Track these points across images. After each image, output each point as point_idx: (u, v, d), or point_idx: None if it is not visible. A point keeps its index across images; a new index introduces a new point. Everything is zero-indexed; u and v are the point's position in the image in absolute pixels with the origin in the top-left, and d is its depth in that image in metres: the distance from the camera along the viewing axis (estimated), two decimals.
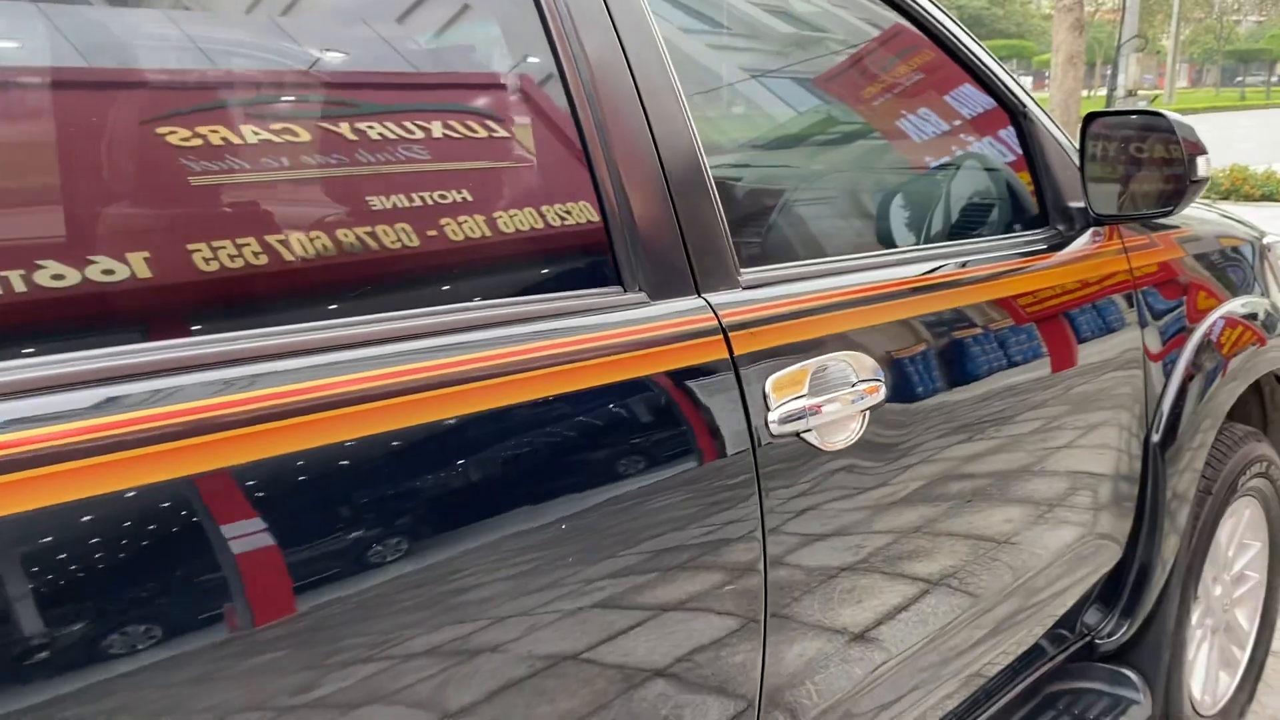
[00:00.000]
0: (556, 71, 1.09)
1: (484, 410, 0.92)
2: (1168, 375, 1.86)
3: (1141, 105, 12.83)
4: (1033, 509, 1.59)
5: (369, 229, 0.93)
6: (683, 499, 1.06)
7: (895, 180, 1.75)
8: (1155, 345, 1.82)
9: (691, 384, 1.09)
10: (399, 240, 0.95)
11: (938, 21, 1.62)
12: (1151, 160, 1.70)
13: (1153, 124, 1.71)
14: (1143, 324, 1.80)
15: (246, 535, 0.76)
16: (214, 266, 0.83)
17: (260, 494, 0.77)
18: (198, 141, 0.85)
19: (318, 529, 0.79)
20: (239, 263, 0.84)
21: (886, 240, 1.64)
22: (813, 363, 1.19)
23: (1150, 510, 1.85)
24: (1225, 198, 11.52)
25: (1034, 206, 1.75)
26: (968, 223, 1.72)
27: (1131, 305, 1.78)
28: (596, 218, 1.09)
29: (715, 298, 1.15)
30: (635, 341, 1.05)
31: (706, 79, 1.60)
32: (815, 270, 1.32)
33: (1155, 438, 1.83)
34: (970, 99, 1.73)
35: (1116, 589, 1.90)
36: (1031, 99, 1.75)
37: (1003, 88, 1.71)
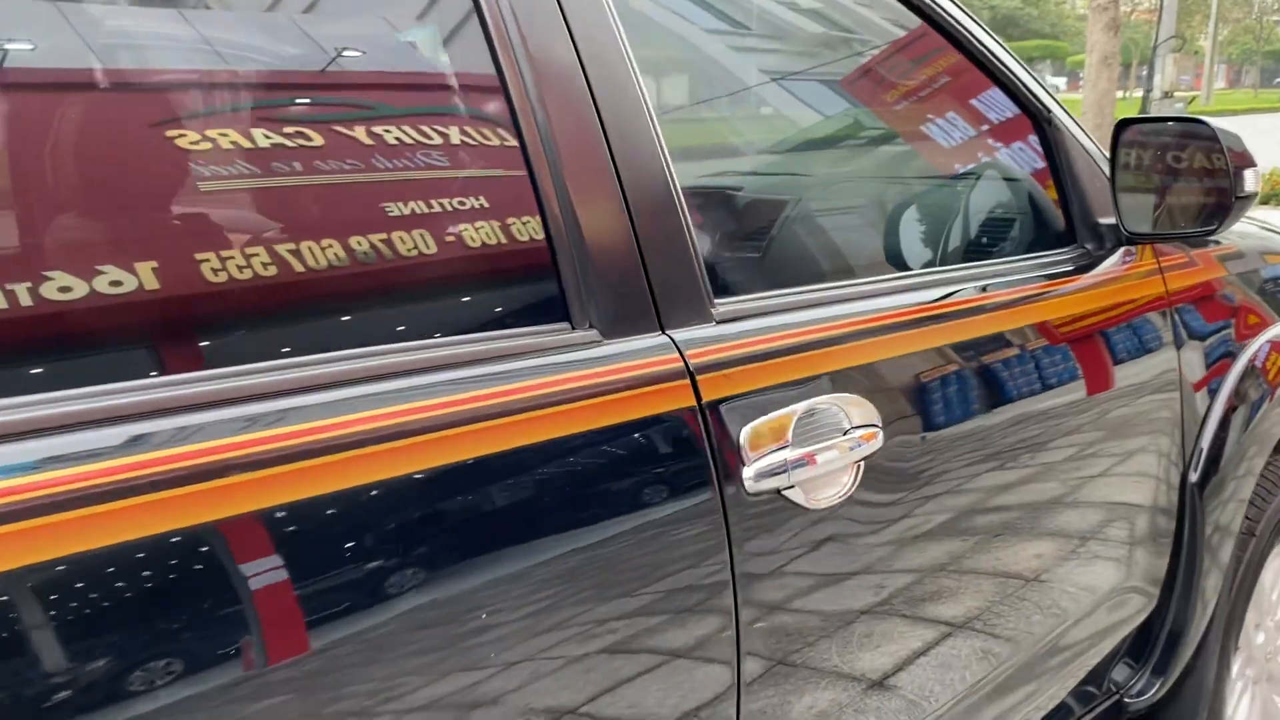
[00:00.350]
0: (494, 70, 0.94)
1: (404, 474, 0.79)
2: (1210, 403, 1.71)
3: (1178, 108, 12.54)
4: (1058, 549, 1.44)
5: (260, 254, 0.79)
6: (642, 573, 0.92)
7: (901, 196, 1.59)
8: (1195, 373, 1.67)
9: (650, 437, 0.94)
10: (300, 268, 0.81)
11: (949, 16, 1.45)
12: (1191, 172, 1.53)
13: (1193, 131, 1.54)
14: (1179, 347, 1.64)
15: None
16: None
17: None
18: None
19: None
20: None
21: (891, 263, 1.48)
22: (798, 408, 1.04)
23: (1188, 547, 1.70)
24: (1265, 202, 11.21)
25: (1059, 222, 1.59)
26: (984, 242, 1.56)
27: (1169, 330, 1.62)
28: (540, 242, 0.95)
29: (682, 334, 1.00)
30: (584, 389, 0.91)
31: (683, 84, 1.45)
32: (805, 300, 1.16)
33: (1194, 475, 1.68)
34: (988, 103, 1.57)
35: (1148, 643, 1.73)
36: (1057, 103, 1.59)
37: (1024, 90, 1.54)
